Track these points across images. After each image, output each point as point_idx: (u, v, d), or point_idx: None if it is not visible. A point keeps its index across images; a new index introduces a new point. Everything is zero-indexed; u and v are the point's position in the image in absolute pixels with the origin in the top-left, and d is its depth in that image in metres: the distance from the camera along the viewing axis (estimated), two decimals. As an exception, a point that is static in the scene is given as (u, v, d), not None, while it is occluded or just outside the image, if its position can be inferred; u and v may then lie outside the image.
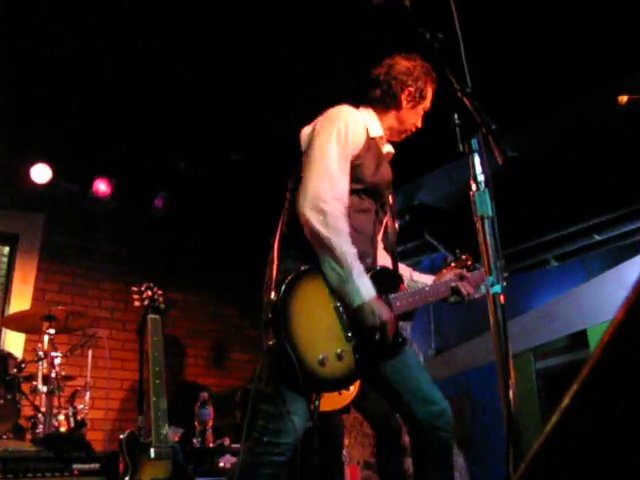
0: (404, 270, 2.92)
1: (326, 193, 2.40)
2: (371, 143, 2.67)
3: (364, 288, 2.37)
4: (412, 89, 2.77)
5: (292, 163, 2.77)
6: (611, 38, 4.58)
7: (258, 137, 6.26)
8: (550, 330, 6.63)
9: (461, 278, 2.88)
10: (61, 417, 4.60)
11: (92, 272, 6.63)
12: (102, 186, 6.41)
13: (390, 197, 2.86)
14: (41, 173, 6.01)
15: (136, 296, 4.00)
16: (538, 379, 6.91)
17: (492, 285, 1.77)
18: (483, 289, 3.06)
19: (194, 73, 5.37)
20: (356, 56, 4.85)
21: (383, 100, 2.80)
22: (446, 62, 2.03)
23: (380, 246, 2.86)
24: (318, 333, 2.35)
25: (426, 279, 2.92)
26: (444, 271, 2.93)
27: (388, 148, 2.85)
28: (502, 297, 1.77)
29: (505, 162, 1.80)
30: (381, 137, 2.76)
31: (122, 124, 5.97)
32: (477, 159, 1.89)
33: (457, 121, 1.93)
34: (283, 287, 2.33)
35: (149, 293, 3.97)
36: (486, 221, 1.82)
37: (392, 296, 2.55)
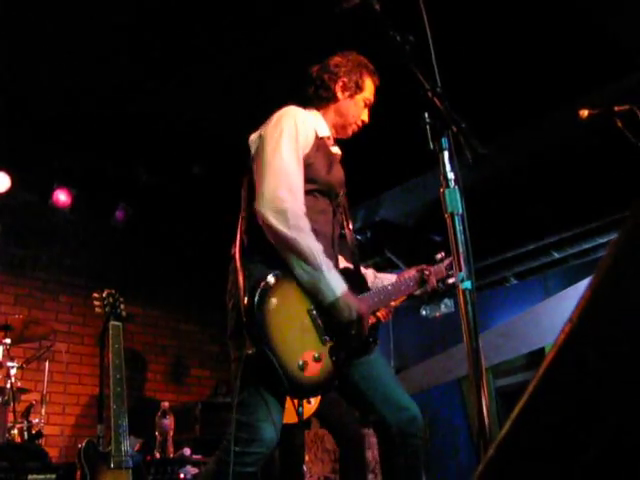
0: (365, 271, 2.92)
1: (283, 192, 2.35)
2: (320, 143, 2.64)
3: (336, 283, 2.34)
4: (345, 79, 2.76)
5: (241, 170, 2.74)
6: (572, 58, 4.70)
7: (220, 150, 6.24)
8: (509, 348, 6.70)
9: (421, 271, 2.87)
10: (14, 431, 4.46)
11: (50, 284, 6.51)
12: (62, 196, 6.32)
13: (344, 198, 2.84)
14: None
15: (97, 302, 3.93)
16: (497, 397, 6.96)
17: (462, 281, 1.77)
18: (444, 308, 3.09)
19: (157, 83, 5.33)
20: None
21: (319, 95, 2.78)
22: (416, 63, 2.05)
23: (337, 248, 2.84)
24: (295, 338, 2.30)
25: (389, 278, 2.91)
26: (405, 269, 2.94)
27: (336, 149, 2.82)
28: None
29: (476, 159, 1.81)
30: (328, 137, 2.74)
31: (84, 134, 5.90)
32: (447, 157, 1.90)
33: (427, 120, 1.94)
34: (257, 293, 2.26)
35: (110, 300, 3.90)
36: (456, 218, 1.83)
37: (358, 297, 2.52)
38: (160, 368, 7.07)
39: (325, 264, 2.33)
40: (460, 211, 1.84)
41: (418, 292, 2.91)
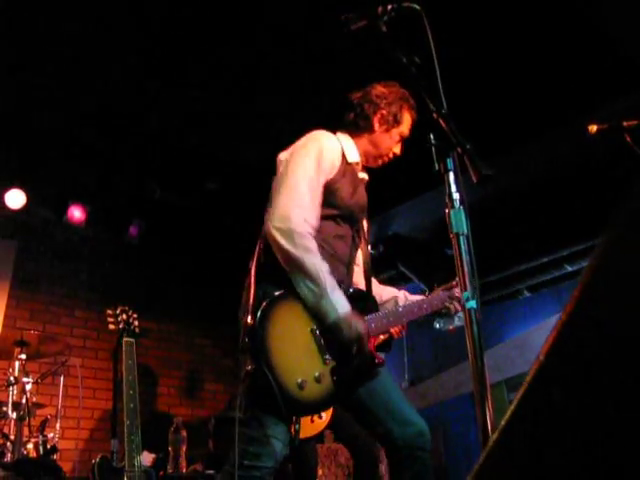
0: (397, 293, 2.94)
1: (294, 212, 2.41)
2: (347, 168, 2.69)
3: (338, 302, 2.38)
4: (384, 112, 2.79)
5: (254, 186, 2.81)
6: (577, 76, 4.71)
7: (234, 166, 6.29)
8: (523, 361, 6.68)
9: (451, 289, 2.87)
10: (30, 446, 4.50)
11: (65, 300, 6.56)
12: (77, 213, 6.38)
13: (364, 222, 2.89)
14: (15, 199, 5.97)
15: (111, 319, 3.97)
16: (511, 410, 6.92)
17: (467, 300, 1.79)
18: (457, 321, 3.08)
19: (171, 101, 5.40)
20: (333, 84, 4.94)
21: (356, 123, 2.82)
22: (422, 85, 2.08)
23: (357, 269, 2.88)
24: (296, 357, 2.34)
25: (417, 299, 2.92)
26: (435, 289, 2.95)
27: (363, 175, 2.85)
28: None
29: (480, 180, 1.83)
30: (357, 163, 2.78)
31: (98, 151, 5.97)
32: (452, 178, 1.93)
33: (433, 141, 1.96)
34: (259, 312, 2.32)
35: (124, 316, 3.95)
36: (461, 238, 1.86)
37: (367, 317, 2.55)
38: (174, 382, 7.10)
39: (329, 284, 2.37)
40: (465, 231, 1.86)
41: (439, 324, 2.92)
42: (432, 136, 1.97)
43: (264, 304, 2.34)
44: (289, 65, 4.95)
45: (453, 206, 1.89)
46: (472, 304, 1.79)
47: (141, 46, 4.77)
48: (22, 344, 4.62)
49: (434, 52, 2.12)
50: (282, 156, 2.70)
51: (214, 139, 5.92)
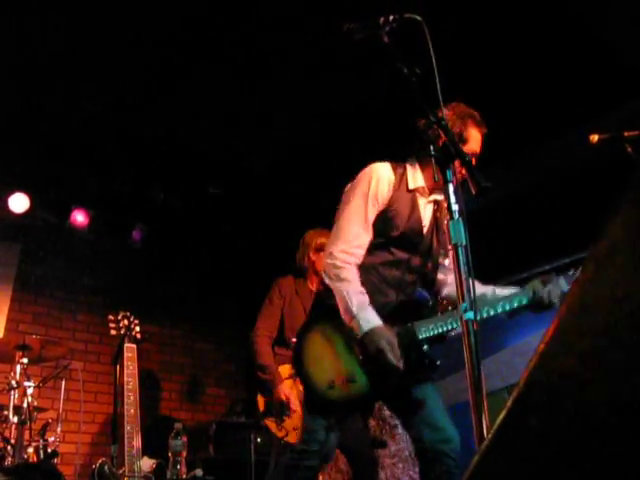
0: (485, 289, 2.88)
1: (336, 248, 2.81)
2: (405, 196, 2.86)
3: (364, 321, 2.65)
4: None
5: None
6: (580, 84, 4.72)
7: (236, 171, 6.31)
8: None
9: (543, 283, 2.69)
10: (30, 450, 4.50)
11: (67, 303, 6.57)
12: (80, 217, 6.40)
13: (434, 241, 2.95)
14: (19, 203, 6.00)
15: (112, 325, 3.99)
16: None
17: (465, 311, 1.80)
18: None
19: (174, 105, 5.41)
20: (339, 90, 4.96)
21: (420, 151, 2.91)
22: (423, 96, 2.10)
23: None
24: (328, 363, 2.79)
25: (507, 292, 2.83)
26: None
27: (433, 197, 2.94)
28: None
29: (478, 193, 1.85)
30: (423, 187, 2.90)
31: (100, 155, 5.99)
32: (452, 189, 1.94)
33: (432, 152, 1.98)
34: (301, 329, 2.96)
35: (125, 322, 3.96)
36: (460, 249, 1.87)
37: (416, 323, 2.75)
38: (176, 387, 7.11)
39: (357, 305, 2.69)
40: (464, 242, 1.87)
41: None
42: (432, 147, 1.99)
43: (306, 322, 2.99)
44: (294, 71, 4.97)
45: (452, 217, 1.90)
46: (470, 315, 1.80)
47: (145, 50, 4.78)
48: (24, 348, 4.63)
49: (434, 62, 2.13)
50: (346, 189, 2.98)
51: (217, 144, 5.94)
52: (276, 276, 4.58)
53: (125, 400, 3.61)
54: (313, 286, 4.37)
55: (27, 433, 4.40)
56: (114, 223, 6.77)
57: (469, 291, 1.83)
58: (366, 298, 2.72)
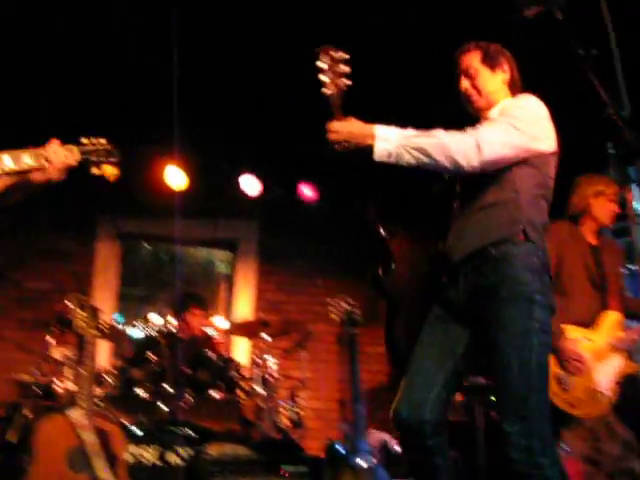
0: None
1: None
2: None
3: None
4: None
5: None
6: None
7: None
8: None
9: None
10: (281, 416, 4.72)
11: (305, 270, 6.95)
12: (307, 191, 6.71)
13: None
14: (250, 183, 6.47)
15: (332, 309, 4.17)
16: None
17: None
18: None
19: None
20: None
21: None
22: (600, 81, 1.91)
23: None
24: None
25: None
26: None
27: None
28: None
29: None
30: None
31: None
32: (636, 190, 1.77)
33: (611, 150, 1.81)
34: None
35: (345, 307, 4.12)
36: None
37: None
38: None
39: None
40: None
41: None
42: (609, 144, 1.82)
43: None
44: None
45: (636, 222, 1.74)
46: None
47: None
48: (266, 325, 4.98)
49: (614, 44, 1.94)
50: None
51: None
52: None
53: (352, 384, 3.76)
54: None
55: (274, 401, 4.69)
56: (341, 194, 6.90)
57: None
58: None
